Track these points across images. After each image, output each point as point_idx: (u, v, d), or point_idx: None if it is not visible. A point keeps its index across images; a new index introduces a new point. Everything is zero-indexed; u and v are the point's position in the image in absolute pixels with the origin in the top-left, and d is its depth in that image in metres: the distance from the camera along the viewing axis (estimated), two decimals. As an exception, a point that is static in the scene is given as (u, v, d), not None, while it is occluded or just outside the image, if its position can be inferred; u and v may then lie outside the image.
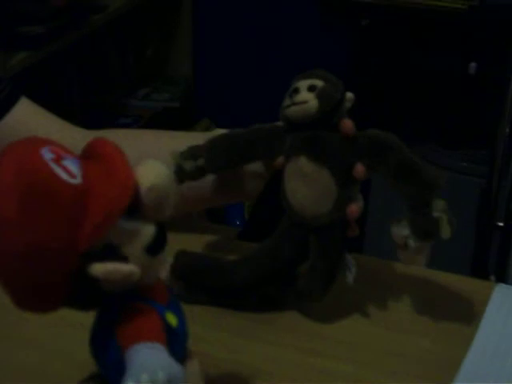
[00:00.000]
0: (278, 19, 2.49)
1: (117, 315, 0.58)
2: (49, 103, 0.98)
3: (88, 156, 0.58)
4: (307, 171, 0.77)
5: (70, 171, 0.55)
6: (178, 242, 0.83)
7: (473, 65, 2.07)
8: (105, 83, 2.51)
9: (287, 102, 0.78)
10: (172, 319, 0.60)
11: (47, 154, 0.55)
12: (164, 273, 0.62)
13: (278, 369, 0.75)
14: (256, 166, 0.86)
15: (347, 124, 0.78)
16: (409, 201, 0.76)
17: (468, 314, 0.81)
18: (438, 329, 0.80)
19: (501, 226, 1.89)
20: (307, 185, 0.78)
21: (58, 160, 0.55)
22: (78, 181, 0.55)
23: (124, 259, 0.56)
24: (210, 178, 0.86)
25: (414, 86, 2.23)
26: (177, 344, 0.60)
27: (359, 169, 0.77)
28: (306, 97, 0.77)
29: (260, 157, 0.84)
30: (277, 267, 0.80)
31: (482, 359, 0.74)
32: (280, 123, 0.81)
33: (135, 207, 0.56)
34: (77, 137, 0.91)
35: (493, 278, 1.83)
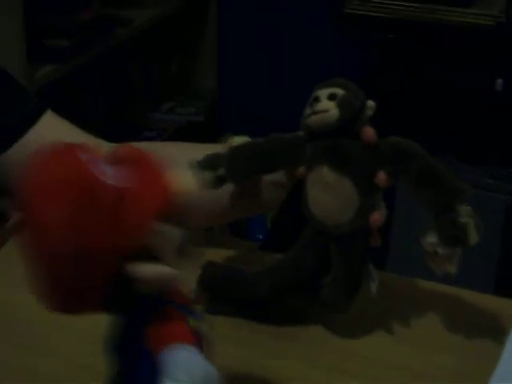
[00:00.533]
0: (302, 33, 2.50)
1: (147, 318, 0.58)
2: (74, 117, 0.98)
3: (116, 161, 0.58)
4: (329, 180, 0.77)
5: (106, 173, 0.56)
6: (201, 255, 0.84)
7: (499, 81, 2.06)
8: (129, 97, 2.52)
9: (308, 111, 0.78)
10: (196, 323, 0.60)
11: (84, 157, 0.56)
12: (190, 284, 0.62)
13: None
14: (277, 176, 0.85)
15: (369, 132, 0.77)
16: (433, 208, 0.75)
17: (493, 332, 0.80)
18: (462, 347, 0.79)
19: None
20: (329, 194, 0.77)
21: (94, 163, 0.56)
22: (112, 181, 0.56)
23: (155, 260, 0.57)
24: (229, 190, 0.85)
25: (441, 102, 2.22)
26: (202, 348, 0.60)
27: (381, 177, 0.76)
28: (326, 105, 0.76)
29: (281, 166, 0.83)
30: (300, 277, 0.80)
31: (509, 378, 0.73)
32: (301, 133, 0.80)
33: (170, 214, 0.57)
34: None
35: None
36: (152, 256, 0.57)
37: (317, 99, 0.77)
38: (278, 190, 0.87)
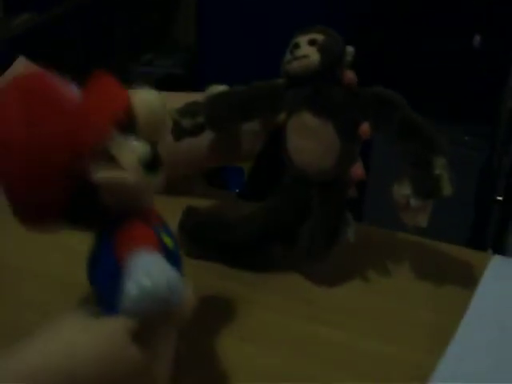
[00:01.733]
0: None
1: (115, 235, 0.60)
2: (51, 66, 0.97)
3: (86, 87, 0.62)
4: (311, 125, 0.77)
5: (71, 88, 0.61)
6: (179, 205, 0.84)
7: (477, 38, 2.06)
8: (109, 48, 2.50)
9: (288, 57, 0.78)
10: (168, 240, 0.62)
11: (50, 79, 0.61)
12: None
13: (267, 331, 0.75)
14: (255, 125, 0.85)
15: (349, 75, 0.78)
16: (410, 159, 0.75)
17: (464, 284, 0.81)
18: (434, 297, 0.80)
19: (500, 200, 1.89)
20: (311, 140, 0.77)
21: (59, 81, 0.61)
22: (77, 97, 0.60)
23: (121, 169, 0.59)
24: (207, 137, 0.85)
25: (417, 58, 2.22)
26: (174, 265, 0.60)
27: (364, 128, 0.77)
28: (307, 51, 0.77)
29: (261, 113, 0.83)
30: (278, 226, 0.81)
31: (476, 328, 0.74)
32: (280, 80, 0.80)
33: (132, 126, 0.60)
34: None
35: (490, 251, 1.83)
36: (119, 164, 0.59)
37: (297, 45, 0.77)
38: (255, 139, 0.87)
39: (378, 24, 2.26)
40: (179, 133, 0.82)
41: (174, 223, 0.79)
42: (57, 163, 0.57)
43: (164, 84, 2.51)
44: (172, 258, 0.61)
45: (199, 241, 0.83)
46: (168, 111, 0.81)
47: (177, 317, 0.59)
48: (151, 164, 0.60)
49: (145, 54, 2.63)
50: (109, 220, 0.61)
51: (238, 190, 2.24)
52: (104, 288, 0.61)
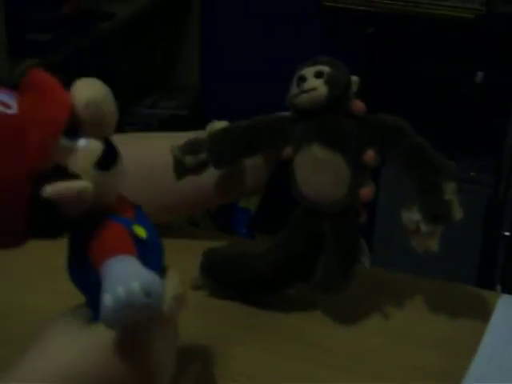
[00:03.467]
0: (285, 28, 2.49)
1: (85, 236, 0.59)
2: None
3: (23, 88, 0.60)
4: (321, 158, 0.77)
5: (6, 103, 0.57)
6: (185, 249, 0.84)
7: (480, 74, 2.07)
8: (112, 91, 2.51)
9: (295, 90, 0.77)
10: (140, 231, 0.61)
11: None
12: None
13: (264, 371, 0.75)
14: (259, 159, 0.85)
15: (358, 105, 0.78)
16: (419, 184, 0.75)
17: (473, 325, 0.80)
18: (442, 339, 0.79)
19: (507, 236, 1.89)
20: (321, 172, 0.77)
21: None
22: (14, 110, 0.57)
23: (75, 178, 0.57)
24: (210, 174, 0.84)
25: (421, 94, 2.22)
26: (150, 255, 0.60)
27: (369, 154, 0.76)
28: (314, 84, 0.76)
29: (266, 147, 0.82)
30: (293, 260, 0.80)
31: (486, 371, 0.74)
32: (285, 114, 0.80)
33: (77, 126, 0.58)
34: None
35: (499, 287, 1.82)
36: (70, 172, 0.57)
37: (303, 78, 0.77)
38: (261, 172, 0.87)
39: (378, 60, 2.27)
40: (181, 171, 0.81)
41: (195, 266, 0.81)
42: (6, 188, 0.56)
43: (168, 125, 2.52)
44: (147, 247, 0.60)
45: (220, 281, 0.83)
46: (170, 148, 0.81)
47: (164, 314, 0.58)
48: (106, 161, 0.59)
49: (148, 95, 2.64)
50: (76, 221, 0.59)
51: (244, 231, 2.24)
52: (86, 291, 0.61)
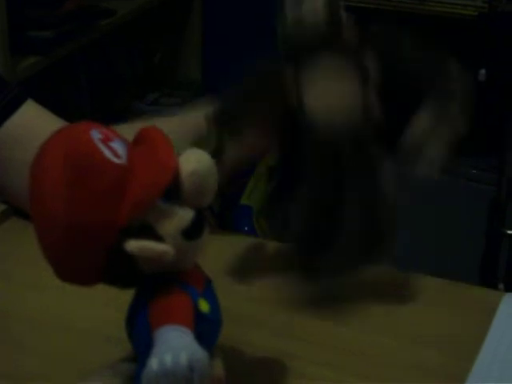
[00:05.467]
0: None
1: (151, 295, 0.60)
2: (58, 108, 0.98)
3: (136, 141, 0.60)
4: (335, 67, 0.73)
5: (116, 152, 0.57)
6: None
7: (482, 71, 2.07)
8: (113, 88, 2.51)
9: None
10: (204, 306, 0.61)
11: (96, 135, 0.57)
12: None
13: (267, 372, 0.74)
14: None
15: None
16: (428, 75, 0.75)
17: (476, 324, 0.80)
18: (444, 338, 0.79)
19: (510, 234, 1.88)
20: (338, 82, 0.73)
21: (105, 141, 0.58)
22: (122, 161, 0.57)
23: (160, 239, 0.58)
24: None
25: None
26: (208, 331, 0.61)
27: (370, 55, 0.74)
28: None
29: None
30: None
31: (489, 371, 0.73)
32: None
33: (176, 191, 0.59)
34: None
35: (501, 286, 1.82)
36: (156, 233, 0.58)
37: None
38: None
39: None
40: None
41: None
42: (94, 235, 0.57)
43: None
44: (207, 323, 0.61)
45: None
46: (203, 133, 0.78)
47: None
48: (193, 231, 0.60)
49: (150, 92, 2.64)
50: (147, 279, 0.60)
51: (246, 228, 2.24)
52: (138, 347, 0.61)
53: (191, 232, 0.59)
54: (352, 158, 0.72)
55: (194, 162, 0.59)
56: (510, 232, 1.87)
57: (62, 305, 0.80)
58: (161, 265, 0.59)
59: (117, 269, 0.59)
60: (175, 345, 0.57)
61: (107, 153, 0.57)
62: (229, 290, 0.82)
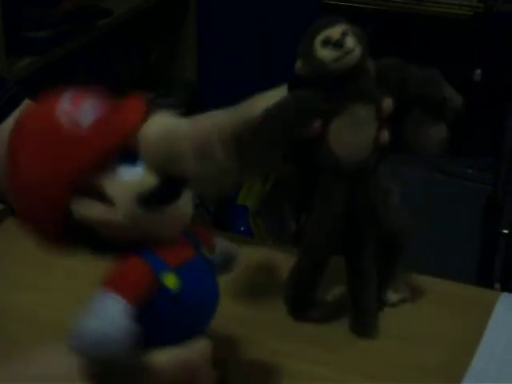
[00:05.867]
0: (283, 25, 2.49)
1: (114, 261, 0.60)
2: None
3: (114, 105, 0.63)
4: (364, 115, 0.76)
5: (78, 119, 0.60)
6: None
7: (478, 71, 2.07)
8: (109, 88, 2.51)
9: (334, 54, 0.75)
10: (172, 282, 0.59)
11: (64, 105, 0.61)
12: None
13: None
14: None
15: (387, 103, 0.78)
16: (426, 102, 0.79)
17: (473, 324, 0.80)
18: (442, 338, 0.79)
19: (506, 234, 1.89)
20: (359, 129, 0.77)
21: (71, 110, 0.60)
22: (80, 129, 0.59)
23: (111, 204, 0.57)
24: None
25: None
26: (177, 309, 0.60)
27: (387, 102, 0.77)
28: (352, 44, 0.75)
29: (297, 133, 0.78)
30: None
31: (486, 370, 0.73)
32: (304, 92, 0.78)
33: (136, 157, 0.58)
34: None
35: (498, 285, 1.82)
36: (107, 197, 0.58)
37: (339, 41, 0.75)
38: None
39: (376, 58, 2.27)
40: None
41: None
42: (48, 194, 0.59)
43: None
44: (173, 301, 0.59)
45: None
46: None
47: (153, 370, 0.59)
48: (152, 199, 0.58)
49: (145, 92, 2.63)
50: (120, 247, 0.60)
51: (242, 228, 2.23)
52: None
53: (149, 199, 0.57)
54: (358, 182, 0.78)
55: (158, 126, 0.59)
56: (506, 231, 1.88)
57: (58, 304, 0.80)
58: (111, 231, 0.58)
59: (76, 230, 0.59)
60: (97, 312, 0.56)
61: (67, 124, 0.59)
62: (233, 291, 0.83)
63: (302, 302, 0.82)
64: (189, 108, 2.63)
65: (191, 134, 0.61)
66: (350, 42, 0.75)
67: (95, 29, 2.15)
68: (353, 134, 0.77)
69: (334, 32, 0.76)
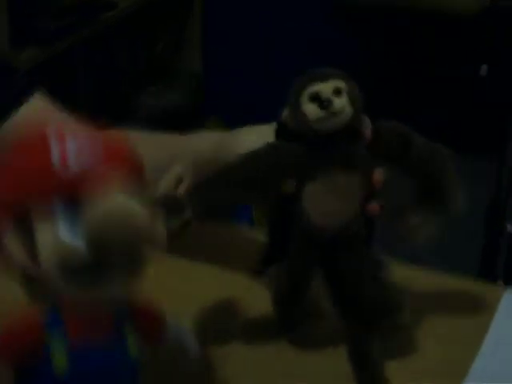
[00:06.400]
0: (287, 17, 2.49)
1: None
2: (58, 99, 0.97)
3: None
4: (343, 184, 0.70)
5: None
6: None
7: (484, 66, 2.07)
8: (115, 80, 2.51)
9: (319, 113, 0.68)
10: (60, 360, 0.53)
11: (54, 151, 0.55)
12: None
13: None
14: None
15: (378, 176, 0.72)
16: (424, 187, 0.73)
17: (477, 321, 0.80)
18: (445, 333, 0.79)
19: (509, 231, 1.88)
20: (338, 197, 0.70)
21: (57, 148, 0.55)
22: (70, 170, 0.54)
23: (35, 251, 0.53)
24: None
25: (426, 87, 2.22)
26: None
27: (377, 176, 0.71)
28: (342, 104, 0.68)
29: (265, 187, 0.72)
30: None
31: (489, 368, 0.73)
32: (288, 144, 0.72)
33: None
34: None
35: (500, 282, 1.82)
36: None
37: (328, 100, 0.67)
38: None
39: (384, 54, 2.27)
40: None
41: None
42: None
43: (171, 115, 2.51)
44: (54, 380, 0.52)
45: None
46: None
47: None
48: (76, 272, 0.51)
49: (151, 85, 2.63)
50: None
51: (245, 221, 2.23)
52: None
53: (73, 270, 0.51)
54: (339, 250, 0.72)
55: (101, 210, 0.51)
56: (509, 227, 1.87)
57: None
58: (30, 276, 0.54)
59: None
60: None
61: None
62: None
63: (288, 318, 0.77)
64: (194, 100, 2.63)
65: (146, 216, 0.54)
66: (340, 102, 0.67)
67: (99, 22, 2.15)
68: (329, 201, 0.70)
69: (325, 88, 0.68)
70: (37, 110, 0.94)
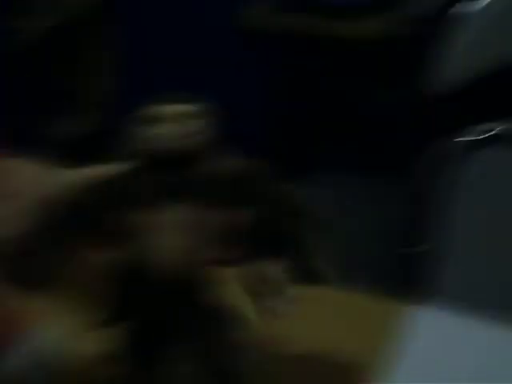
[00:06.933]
0: (199, 42, 2.49)
1: None
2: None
3: None
4: (189, 218, 0.62)
5: None
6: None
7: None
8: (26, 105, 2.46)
9: (150, 131, 0.61)
10: None
11: None
12: None
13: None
14: None
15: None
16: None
17: (383, 341, 0.78)
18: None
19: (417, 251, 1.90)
20: (184, 234, 0.63)
21: None
22: None
23: None
24: None
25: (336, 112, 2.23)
26: None
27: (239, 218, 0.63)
28: (189, 125, 0.61)
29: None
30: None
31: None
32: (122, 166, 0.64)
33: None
34: None
35: (409, 301, 1.83)
36: None
37: (162, 119, 0.61)
38: None
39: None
40: None
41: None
42: None
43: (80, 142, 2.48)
44: None
45: None
46: None
47: None
48: None
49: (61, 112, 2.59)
50: None
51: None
52: None
53: None
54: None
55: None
56: (418, 249, 1.90)
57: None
58: None
59: None
60: None
61: None
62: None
63: None
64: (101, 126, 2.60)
65: None
66: (186, 123, 0.61)
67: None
68: (175, 237, 0.62)
69: (167, 109, 0.62)
70: None
